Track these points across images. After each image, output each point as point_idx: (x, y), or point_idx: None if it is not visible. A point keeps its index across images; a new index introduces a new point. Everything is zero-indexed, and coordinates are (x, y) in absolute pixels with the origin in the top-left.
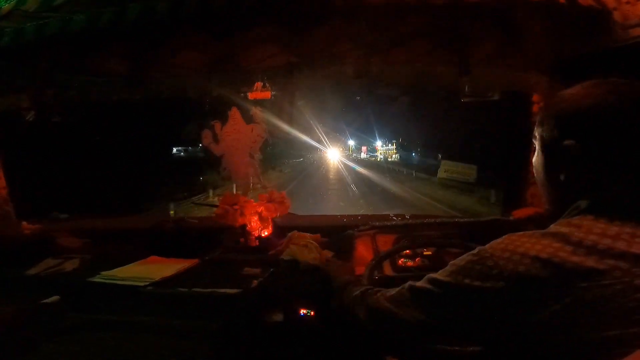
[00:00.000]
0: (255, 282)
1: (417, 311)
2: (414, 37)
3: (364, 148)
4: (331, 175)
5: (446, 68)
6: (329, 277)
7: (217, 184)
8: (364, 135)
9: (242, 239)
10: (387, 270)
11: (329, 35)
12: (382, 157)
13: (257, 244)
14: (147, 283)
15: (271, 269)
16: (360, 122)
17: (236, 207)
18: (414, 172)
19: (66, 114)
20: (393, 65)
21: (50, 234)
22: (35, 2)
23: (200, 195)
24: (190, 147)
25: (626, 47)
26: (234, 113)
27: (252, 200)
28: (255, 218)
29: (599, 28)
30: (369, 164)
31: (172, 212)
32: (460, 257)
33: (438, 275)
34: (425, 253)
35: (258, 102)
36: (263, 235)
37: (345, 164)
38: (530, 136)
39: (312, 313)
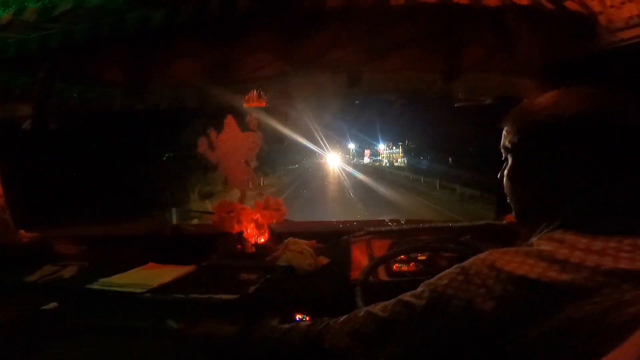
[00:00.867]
0: (251, 288)
1: (392, 346)
2: (407, 43)
3: (367, 152)
4: (331, 180)
5: (440, 74)
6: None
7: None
8: (367, 137)
9: (238, 246)
10: (382, 275)
11: (323, 43)
12: (386, 161)
13: (254, 250)
14: (145, 290)
15: (267, 275)
16: (362, 124)
17: (232, 214)
18: (437, 181)
19: (66, 122)
20: (387, 72)
21: (49, 241)
22: (34, 12)
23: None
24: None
25: (613, 50)
26: (229, 121)
27: (248, 207)
28: (252, 225)
29: (586, 32)
30: (372, 170)
31: (173, 218)
32: (436, 276)
33: (410, 297)
34: (419, 258)
35: (253, 110)
36: (259, 241)
37: (347, 173)
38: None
39: (307, 318)
